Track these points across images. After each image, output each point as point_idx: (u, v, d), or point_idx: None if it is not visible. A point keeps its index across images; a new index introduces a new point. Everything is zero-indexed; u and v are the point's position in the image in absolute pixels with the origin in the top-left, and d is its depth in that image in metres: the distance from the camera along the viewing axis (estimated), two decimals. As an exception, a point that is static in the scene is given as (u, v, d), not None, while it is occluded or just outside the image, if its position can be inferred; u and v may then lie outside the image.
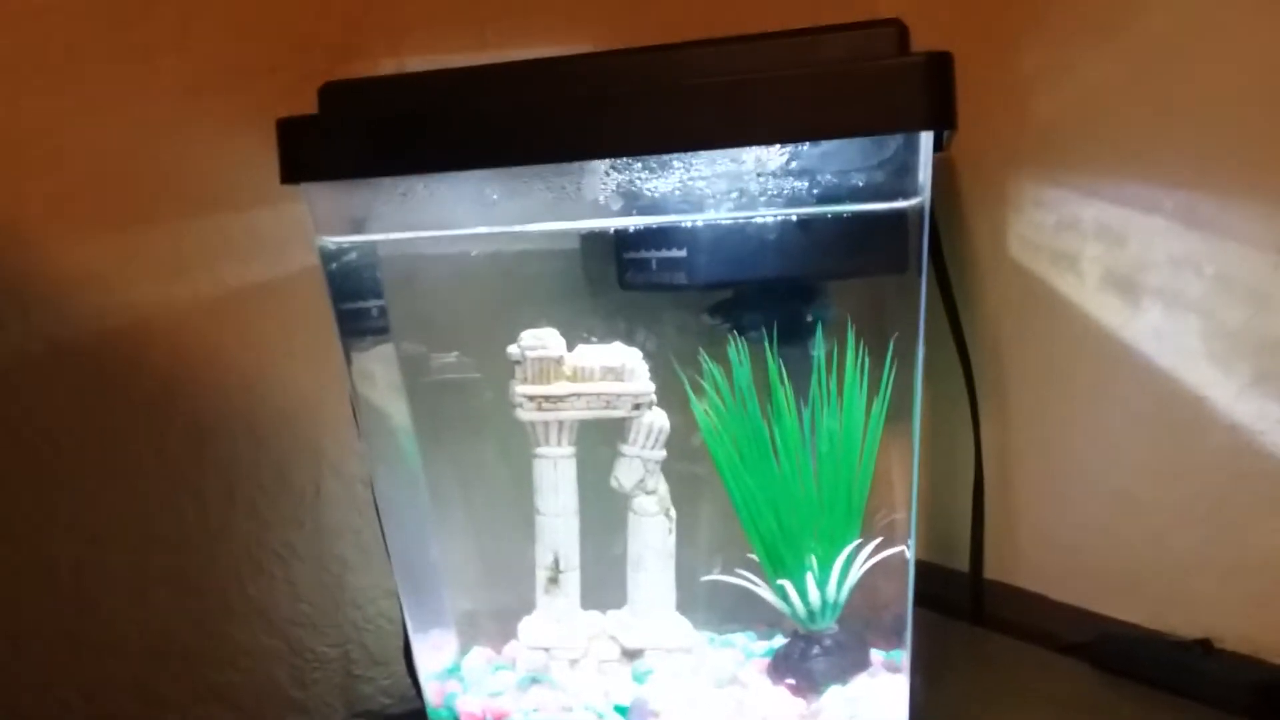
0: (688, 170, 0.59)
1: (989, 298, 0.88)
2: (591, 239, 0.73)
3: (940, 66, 0.55)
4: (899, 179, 0.58)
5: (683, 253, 0.71)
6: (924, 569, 0.94)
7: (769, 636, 0.77)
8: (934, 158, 0.57)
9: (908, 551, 0.67)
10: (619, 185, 0.61)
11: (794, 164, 0.58)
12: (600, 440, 0.72)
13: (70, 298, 0.67)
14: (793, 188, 0.59)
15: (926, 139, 0.57)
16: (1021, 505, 0.90)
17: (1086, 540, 0.84)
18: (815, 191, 0.58)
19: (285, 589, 0.75)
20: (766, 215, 0.63)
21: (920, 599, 0.81)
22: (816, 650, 0.72)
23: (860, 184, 0.58)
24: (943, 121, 0.55)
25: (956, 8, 0.89)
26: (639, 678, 0.72)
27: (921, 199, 0.58)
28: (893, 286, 0.72)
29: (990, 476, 0.90)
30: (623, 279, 0.76)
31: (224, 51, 0.70)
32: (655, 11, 0.83)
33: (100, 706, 0.68)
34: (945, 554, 0.93)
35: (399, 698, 0.79)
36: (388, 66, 0.76)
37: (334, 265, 0.68)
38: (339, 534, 0.76)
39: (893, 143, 0.57)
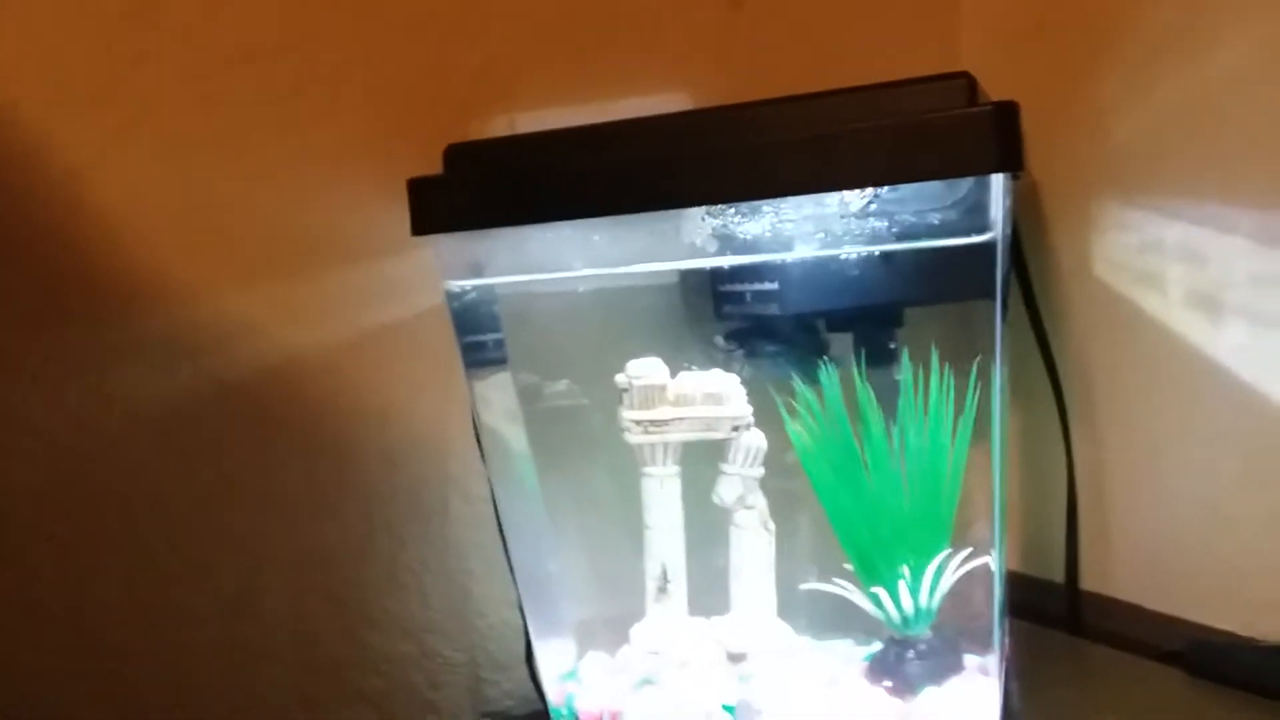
0: (777, 214, 0.64)
1: (1076, 317, 0.90)
2: (690, 276, 0.78)
3: (1006, 115, 0.59)
4: (973, 216, 0.62)
5: (774, 285, 0.77)
6: (1021, 580, 0.97)
7: (867, 643, 0.81)
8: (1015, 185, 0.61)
9: (992, 562, 0.70)
10: (714, 229, 0.67)
11: (873, 206, 0.63)
12: (703, 459, 0.78)
13: (234, 343, 0.75)
14: (873, 227, 0.63)
15: (997, 180, 0.61)
16: (1115, 518, 0.92)
17: (1179, 550, 0.86)
18: (894, 230, 0.62)
19: (418, 600, 0.82)
20: (853, 251, 0.68)
21: (1017, 609, 0.83)
22: (911, 654, 0.76)
23: (937, 222, 0.62)
24: (1010, 165, 0.60)
25: (1037, 41, 0.92)
26: (743, 679, 0.77)
27: (994, 234, 0.62)
28: (975, 311, 0.76)
29: (1083, 490, 0.92)
30: (719, 310, 0.82)
31: (363, 120, 0.78)
32: (744, 69, 0.89)
33: (263, 709, 0.76)
34: (1041, 566, 0.95)
35: (521, 699, 0.85)
36: (501, 123, 0.83)
37: (458, 305, 0.76)
38: (465, 550, 0.83)
39: (965, 184, 0.62)
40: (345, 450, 0.79)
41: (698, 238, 0.67)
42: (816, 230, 0.65)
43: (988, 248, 0.63)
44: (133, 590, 0.73)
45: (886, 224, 0.62)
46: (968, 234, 0.62)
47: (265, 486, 0.77)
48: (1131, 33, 0.84)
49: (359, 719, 0.80)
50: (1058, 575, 0.94)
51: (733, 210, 0.65)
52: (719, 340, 0.78)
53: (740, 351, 0.78)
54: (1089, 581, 0.94)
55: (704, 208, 0.65)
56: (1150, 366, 0.87)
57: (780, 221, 0.65)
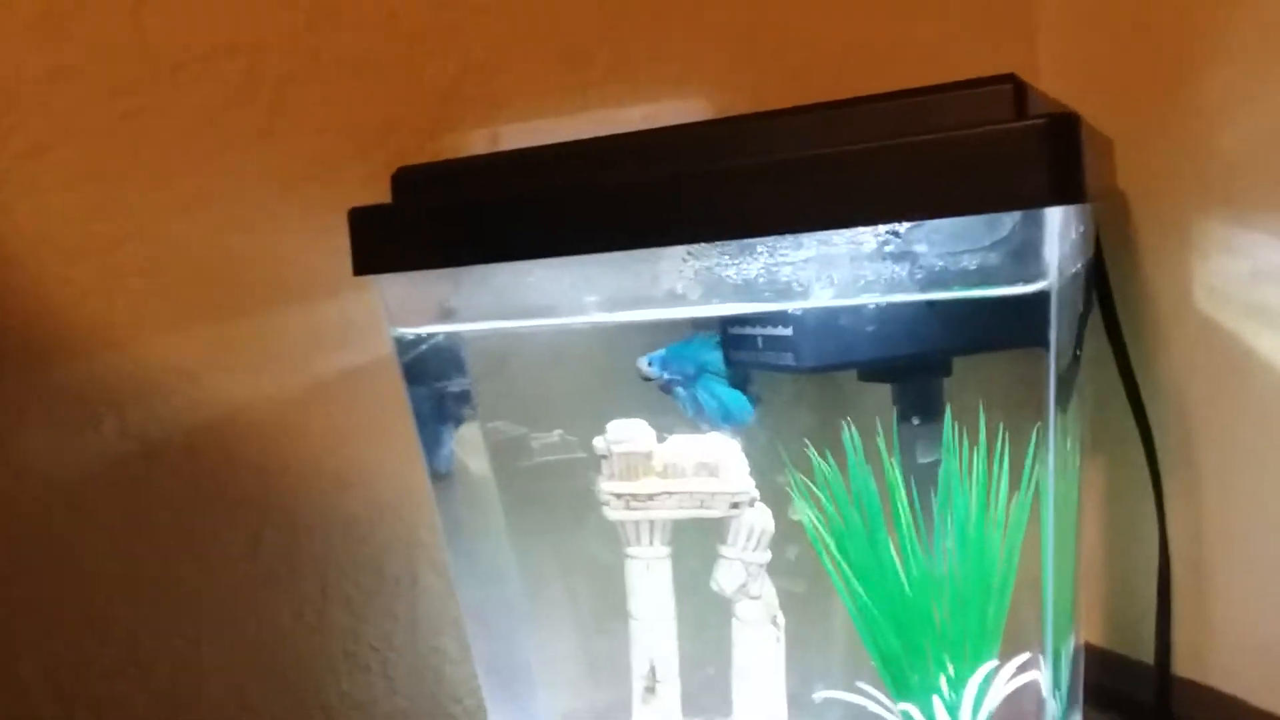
0: (772, 255, 0.52)
1: (1172, 358, 0.78)
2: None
3: (1064, 130, 0.46)
4: (1020, 261, 0.49)
5: (789, 330, 0.64)
6: (1104, 658, 0.85)
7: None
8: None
9: (1042, 681, 0.57)
10: (697, 272, 0.54)
11: (891, 247, 0.50)
12: (700, 530, 0.66)
13: (162, 394, 0.66)
14: (893, 273, 0.50)
15: (1053, 216, 0.48)
16: (1215, 595, 0.79)
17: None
18: (919, 277, 0.49)
19: (382, 684, 0.72)
20: (873, 300, 0.55)
21: (1098, 694, 0.71)
22: (948, 787, 0.63)
23: (973, 267, 0.49)
24: (1067, 194, 0.46)
25: (1130, 35, 0.79)
26: (746, 804, 0.65)
27: (1047, 283, 0.48)
28: (1038, 362, 0.63)
29: (1179, 561, 0.79)
30: (728, 356, 0.70)
31: (312, 138, 0.69)
32: (765, 70, 0.76)
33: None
34: (1128, 644, 0.83)
35: (505, 797, 0.75)
36: (482, 139, 0.72)
37: (410, 356, 0.65)
38: (437, 626, 0.74)
39: (1008, 220, 0.48)
40: (297, 516, 0.70)
41: (678, 283, 0.55)
42: (823, 273, 0.52)
43: (1039, 299, 0.50)
44: (52, 679, 0.65)
45: (908, 270, 0.49)
46: (1013, 282, 0.49)
47: (203, 559, 0.68)
48: (1242, 25, 0.70)
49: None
50: (1146, 656, 0.80)
51: (718, 250, 0.53)
52: (642, 365, 0.65)
53: (674, 385, 0.66)
54: (1182, 667, 0.80)
55: (684, 247, 0.53)
56: (1262, 417, 0.73)
57: (776, 264, 0.52)
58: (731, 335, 0.70)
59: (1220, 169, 0.74)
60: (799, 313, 0.63)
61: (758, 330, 0.67)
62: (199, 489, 0.68)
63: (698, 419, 0.67)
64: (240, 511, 0.69)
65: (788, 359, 0.65)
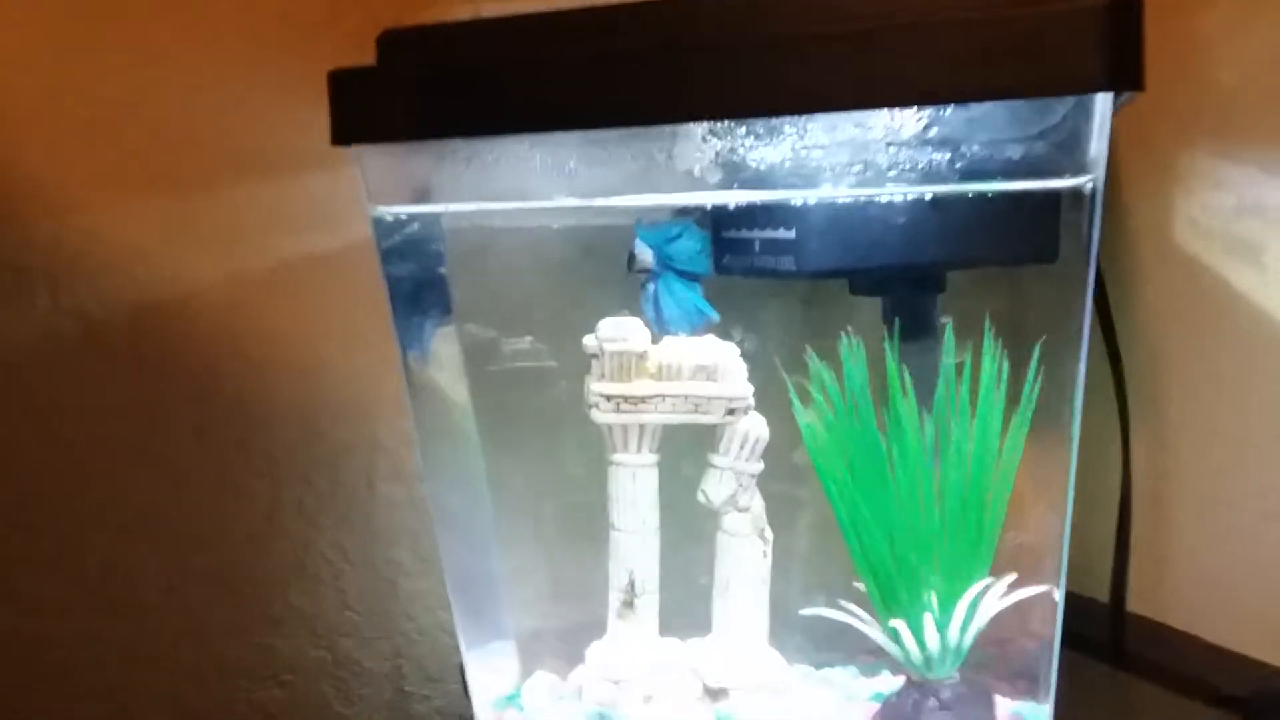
0: (802, 137, 0.49)
1: (1148, 292, 0.78)
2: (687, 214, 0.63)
3: (1125, 11, 0.44)
4: (1066, 152, 0.47)
5: (790, 234, 0.61)
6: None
7: (874, 672, 0.68)
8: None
9: (1056, 594, 0.56)
10: (718, 154, 0.51)
11: (933, 132, 0.47)
12: (685, 448, 0.64)
13: (107, 271, 0.61)
14: (930, 161, 0.48)
15: (1103, 102, 0.46)
16: (1175, 532, 0.79)
17: (1252, 578, 0.73)
18: (959, 166, 0.47)
19: (333, 596, 0.68)
20: (892, 193, 0.53)
21: None
22: (933, 703, 0.62)
23: (1016, 157, 0.47)
24: (1126, 80, 0.44)
25: None
26: (723, 719, 0.63)
27: (1094, 176, 0.47)
28: (1040, 278, 0.61)
29: (1140, 498, 0.80)
30: (719, 262, 0.67)
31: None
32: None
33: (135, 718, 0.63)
34: (1081, 581, 0.83)
35: (454, 717, 0.72)
36: (463, 11, 0.67)
37: (389, 239, 0.60)
38: (394, 537, 0.70)
39: (1060, 107, 0.46)
40: (250, 409, 0.65)
41: (696, 165, 0.52)
42: (853, 162, 0.49)
43: (1078, 196, 0.48)
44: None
45: (948, 157, 0.46)
46: (1057, 175, 0.47)
47: (145, 450, 0.63)
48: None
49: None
50: (1101, 593, 0.81)
51: (744, 130, 0.49)
52: (640, 250, 0.62)
53: (651, 285, 0.62)
54: (1139, 604, 0.81)
55: (706, 125, 0.49)
56: (1239, 356, 0.73)
57: (805, 148, 0.49)
58: (724, 239, 0.67)
59: (1212, 103, 0.73)
60: (803, 215, 0.61)
61: (755, 234, 0.64)
62: (142, 374, 0.62)
63: (652, 319, 0.63)
64: (188, 401, 0.63)
65: (787, 263, 0.63)
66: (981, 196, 0.54)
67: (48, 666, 0.60)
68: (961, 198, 0.54)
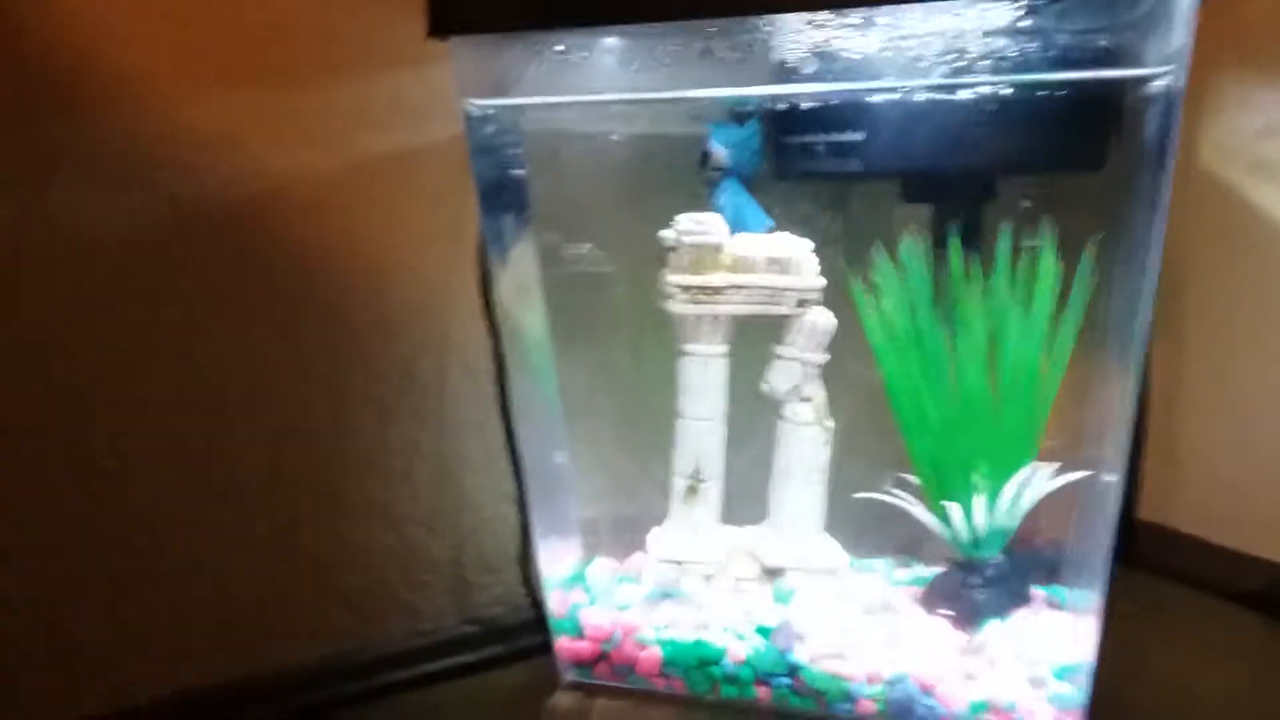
0: (896, 27, 0.51)
1: (1173, 207, 0.80)
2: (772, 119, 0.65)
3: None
4: (1153, 40, 0.50)
5: (859, 136, 0.64)
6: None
7: (908, 564, 0.72)
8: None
9: (1112, 476, 0.59)
10: (815, 45, 0.53)
11: (1027, 22, 0.50)
12: (749, 342, 0.66)
13: (200, 159, 0.61)
14: (1022, 51, 0.50)
15: (1185, -1, 0.49)
16: (1188, 441, 0.83)
17: (1262, 482, 0.77)
18: (1051, 54, 0.50)
19: (404, 487, 0.70)
20: (973, 84, 0.55)
21: None
22: (978, 580, 0.66)
23: (1107, 45, 0.49)
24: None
25: None
26: (781, 598, 0.67)
27: (1176, 69, 0.49)
28: (1099, 183, 0.64)
29: (1155, 407, 0.83)
30: (780, 169, 0.69)
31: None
32: None
33: (234, 602, 0.64)
34: None
35: (512, 606, 0.74)
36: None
37: (480, 134, 0.62)
38: (463, 433, 0.71)
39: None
40: (331, 305, 0.66)
41: (791, 57, 0.54)
42: (945, 53, 0.52)
43: (1152, 93, 0.51)
44: (78, 450, 0.60)
45: (1041, 46, 0.49)
46: (1145, 65, 0.49)
47: (236, 339, 0.64)
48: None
49: (336, 623, 0.69)
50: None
51: (841, 21, 0.52)
52: (715, 148, 0.64)
53: (722, 184, 0.64)
54: (1149, 510, 0.85)
55: (805, 16, 0.52)
56: (1257, 271, 0.77)
57: (899, 38, 0.51)
58: (785, 145, 0.69)
59: (1244, 26, 0.75)
60: (871, 116, 0.63)
61: (820, 137, 0.67)
62: (233, 267, 0.63)
63: (728, 216, 0.65)
64: (275, 294, 0.64)
65: (854, 164, 0.65)
66: (1035, 103, 0.56)
67: (150, 546, 0.61)
68: (1017, 103, 0.57)
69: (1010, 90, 0.54)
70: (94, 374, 0.60)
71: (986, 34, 0.50)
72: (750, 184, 0.67)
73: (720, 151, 0.63)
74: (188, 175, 0.61)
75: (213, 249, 0.62)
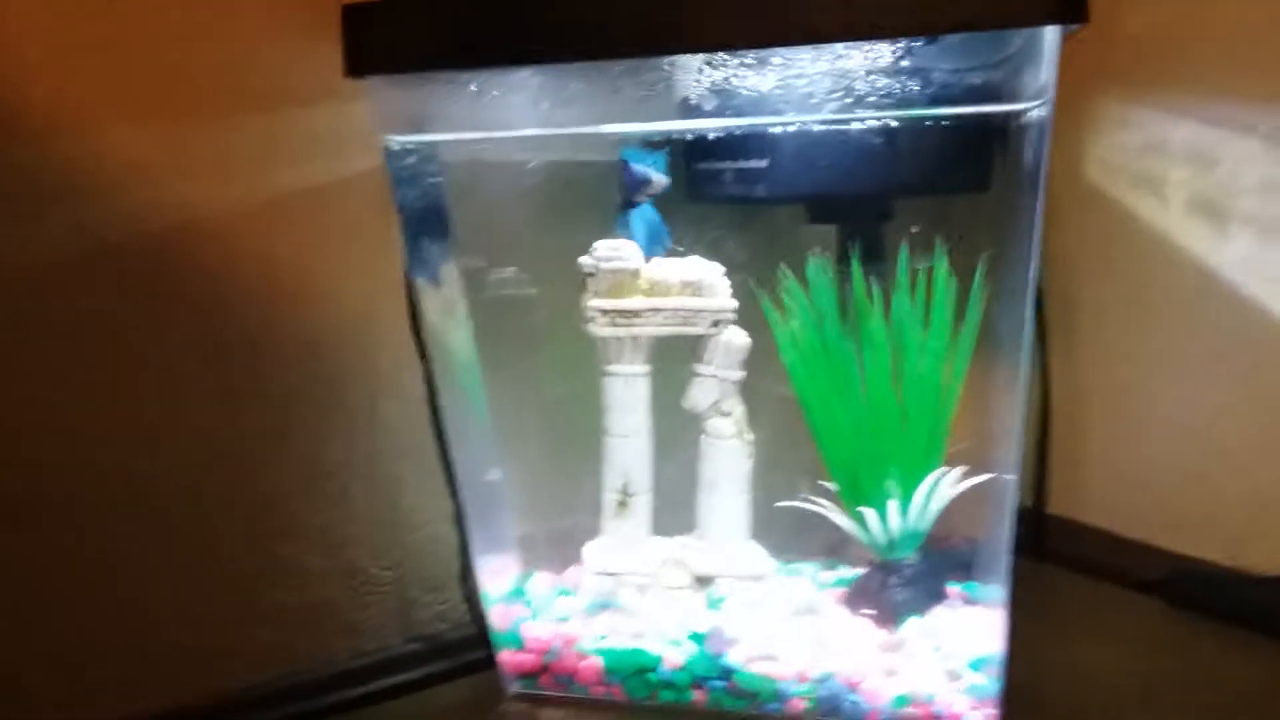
0: (789, 67, 0.55)
1: (1062, 222, 0.84)
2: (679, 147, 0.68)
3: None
4: (1021, 79, 0.54)
5: (764, 163, 0.68)
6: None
7: (833, 567, 0.75)
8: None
9: (1009, 476, 0.63)
10: (713, 84, 0.57)
11: (906, 62, 0.53)
12: (669, 360, 0.69)
13: (117, 190, 0.62)
14: (904, 88, 0.54)
15: (1051, 35, 0.53)
16: (1090, 440, 0.87)
17: (1159, 476, 0.82)
18: (930, 91, 0.53)
19: (341, 509, 0.72)
20: (865, 118, 0.59)
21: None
22: (896, 580, 0.69)
23: (978, 83, 0.54)
24: (1070, 12, 0.51)
25: None
26: (713, 604, 0.69)
27: (1045, 99, 0.53)
28: (984, 203, 0.69)
29: (1057, 410, 0.87)
30: (692, 192, 0.72)
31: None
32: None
33: (148, 623, 0.65)
34: None
35: (454, 622, 0.76)
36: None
37: (400, 167, 0.64)
38: (395, 455, 0.73)
39: (1015, 39, 0.53)
40: (256, 332, 0.68)
41: (693, 93, 0.57)
42: (834, 90, 0.55)
43: (1023, 126, 0.55)
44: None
45: (920, 84, 0.53)
46: (1015, 100, 0.53)
47: (157, 365, 0.65)
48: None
49: (279, 645, 0.70)
50: (1023, 499, 0.89)
51: (737, 61, 0.55)
52: (648, 170, 0.67)
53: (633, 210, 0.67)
54: (1058, 506, 0.89)
55: (704, 57, 0.55)
56: (1143, 278, 0.81)
57: (791, 77, 0.55)
58: (697, 171, 0.72)
59: (1122, 49, 0.79)
60: (775, 145, 0.67)
61: (728, 164, 0.70)
62: (155, 296, 0.64)
63: (641, 242, 0.68)
64: (198, 321, 0.66)
65: (759, 190, 0.69)
66: (925, 132, 0.60)
67: (61, 570, 0.62)
68: (908, 132, 0.60)
69: (899, 121, 0.57)
70: (7, 403, 0.61)
71: (870, 73, 0.53)
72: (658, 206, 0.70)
73: (661, 178, 0.66)
74: (100, 203, 0.62)
75: (126, 276, 0.63)
